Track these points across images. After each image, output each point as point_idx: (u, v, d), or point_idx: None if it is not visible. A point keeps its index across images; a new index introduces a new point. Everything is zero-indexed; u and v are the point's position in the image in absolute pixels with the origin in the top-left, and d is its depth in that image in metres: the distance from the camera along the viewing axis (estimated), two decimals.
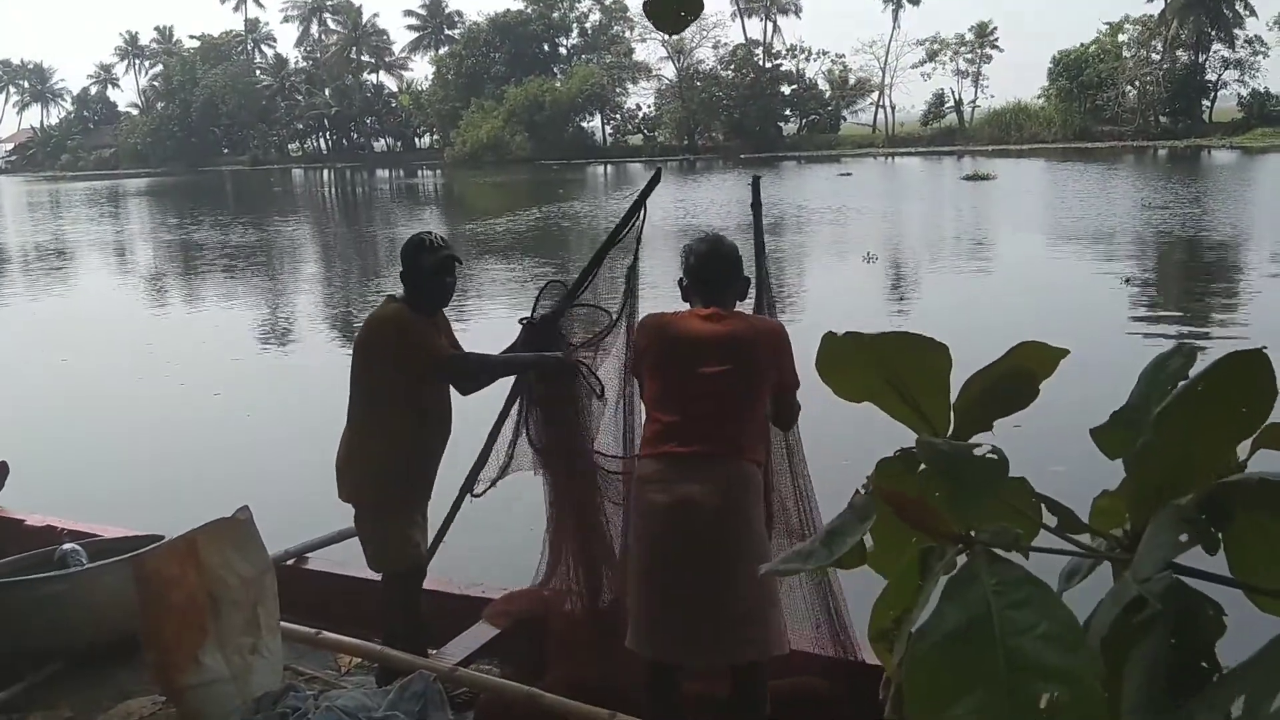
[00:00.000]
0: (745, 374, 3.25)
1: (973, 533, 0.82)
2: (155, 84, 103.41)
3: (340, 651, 4.03)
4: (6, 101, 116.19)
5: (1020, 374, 1.11)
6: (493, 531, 5.62)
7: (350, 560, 4.94)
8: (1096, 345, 10.03)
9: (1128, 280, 15.55)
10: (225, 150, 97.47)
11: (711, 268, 3.40)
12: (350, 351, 4.09)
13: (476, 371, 4.07)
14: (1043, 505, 0.99)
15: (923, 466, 1.02)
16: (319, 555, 5.05)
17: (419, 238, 4.10)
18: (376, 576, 4.24)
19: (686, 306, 3.46)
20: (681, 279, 3.47)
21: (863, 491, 1.09)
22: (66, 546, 3.86)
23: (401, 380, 3.89)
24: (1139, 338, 11.75)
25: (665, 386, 3.30)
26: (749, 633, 3.21)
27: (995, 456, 0.90)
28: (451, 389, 4.07)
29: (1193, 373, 0.93)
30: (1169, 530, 0.79)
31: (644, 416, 3.50)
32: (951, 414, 1.12)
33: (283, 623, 3.96)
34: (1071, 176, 39.06)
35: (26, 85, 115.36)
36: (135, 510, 6.52)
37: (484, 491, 4.10)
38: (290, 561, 4.92)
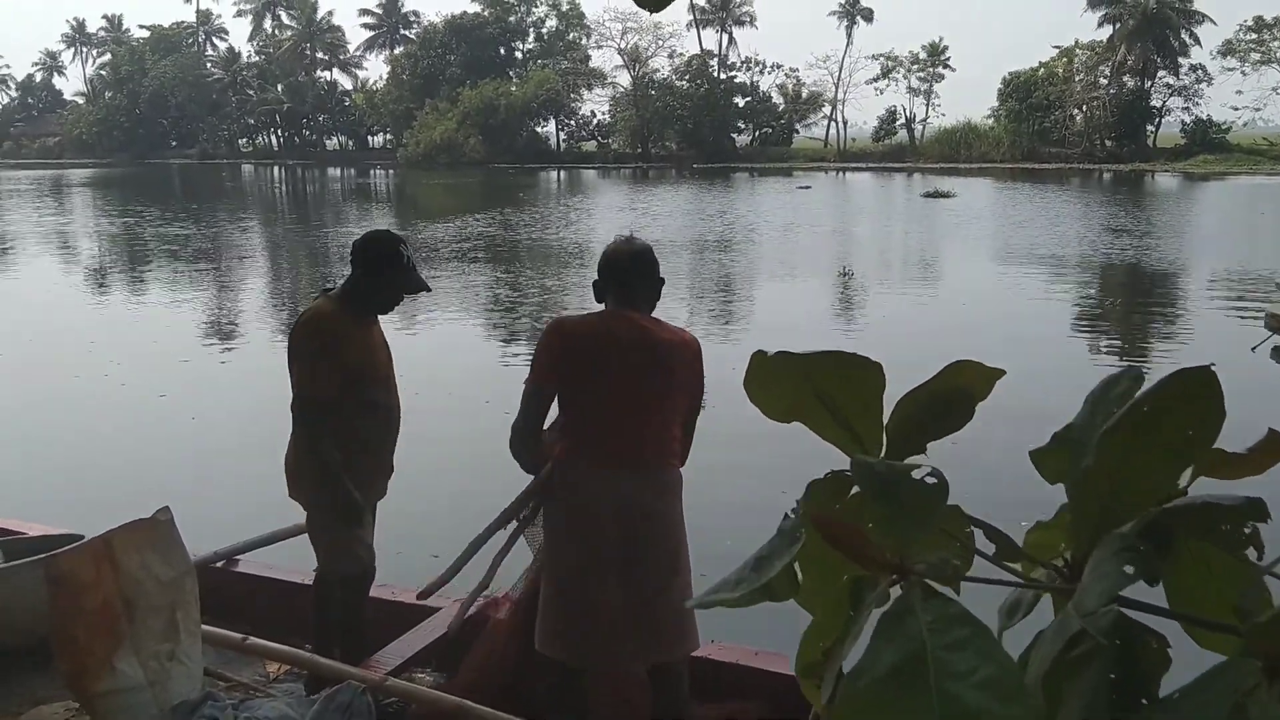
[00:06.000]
0: (666, 379, 3.24)
1: (908, 563, 0.77)
2: (103, 73, 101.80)
3: (268, 658, 3.93)
4: None
5: (955, 394, 1.07)
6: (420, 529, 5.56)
7: (283, 563, 4.84)
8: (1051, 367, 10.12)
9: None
10: (174, 143, 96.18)
11: (626, 268, 3.35)
12: None
13: (315, 449, 3.81)
14: (978, 531, 0.96)
15: (855, 490, 0.98)
16: (250, 558, 4.92)
17: (383, 235, 3.98)
18: (308, 580, 4.15)
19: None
20: (596, 280, 3.42)
21: (792, 515, 1.05)
22: None
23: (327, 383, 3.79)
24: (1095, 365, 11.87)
25: (586, 390, 3.26)
26: (675, 632, 3.27)
27: (935, 480, 0.85)
28: (390, 382, 3.98)
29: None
30: (1113, 561, 0.75)
31: (560, 419, 3.41)
32: (884, 436, 1.08)
33: (210, 627, 3.85)
34: (1025, 197, 39.54)
35: None
36: (66, 511, 6.34)
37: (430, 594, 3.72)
38: (220, 564, 4.80)
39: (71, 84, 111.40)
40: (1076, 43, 69.08)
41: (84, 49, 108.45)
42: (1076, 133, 67.58)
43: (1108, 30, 67.10)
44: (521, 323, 14.50)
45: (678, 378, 3.25)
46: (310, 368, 3.77)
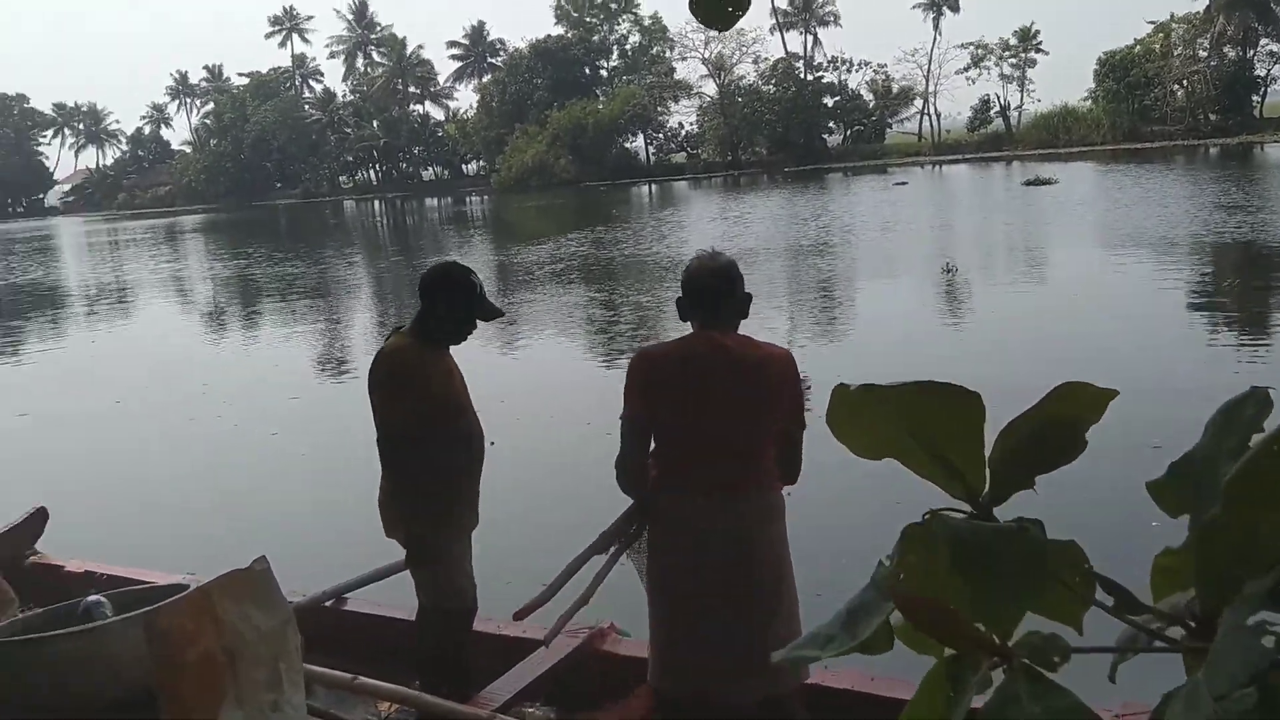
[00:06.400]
0: (756, 399, 3.11)
1: (1009, 643, 0.67)
2: (207, 122, 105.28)
3: (378, 697, 3.93)
4: (63, 144, 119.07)
5: (1064, 421, 0.96)
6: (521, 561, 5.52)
7: (390, 601, 4.85)
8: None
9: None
10: (278, 184, 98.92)
11: (707, 286, 3.24)
12: None
13: (394, 486, 3.88)
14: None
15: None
16: (358, 596, 4.95)
17: (451, 266, 4.02)
18: (413, 616, 4.14)
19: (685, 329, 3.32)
20: (679, 298, 3.32)
21: (886, 563, 0.95)
22: (91, 599, 3.79)
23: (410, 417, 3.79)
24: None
25: (675, 417, 3.17)
26: (779, 665, 3.11)
27: (1032, 542, 0.75)
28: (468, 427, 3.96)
29: (1269, 424, 0.78)
30: (1248, 635, 0.64)
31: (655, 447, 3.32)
32: (987, 470, 0.98)
33: (320, 668, 3.86)
34: (1130, 179, 38.18)
35: (81, 127, 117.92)
36: (180, 556, 6.48)
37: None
38: (329, 603, 4.83)
39: (178, 134, 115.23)
40: (1172, 17, 66.96)
41: (188, 100, 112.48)
42: (1178, 109, 65.47)
43: (1204, 1, 64.91)
44: (618, 343, 14.47)
45: (769, 396, 3.12)
46: (391, 403, 3.78)
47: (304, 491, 8.53)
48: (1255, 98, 66.11)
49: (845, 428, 0.96)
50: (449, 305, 3.88)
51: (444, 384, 3.91)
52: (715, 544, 3.08)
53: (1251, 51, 64.74)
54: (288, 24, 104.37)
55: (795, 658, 0.90)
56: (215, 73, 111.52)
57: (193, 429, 10.96)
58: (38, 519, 5.71)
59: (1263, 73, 65.59)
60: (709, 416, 3.10)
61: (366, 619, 4.74)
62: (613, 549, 3.43)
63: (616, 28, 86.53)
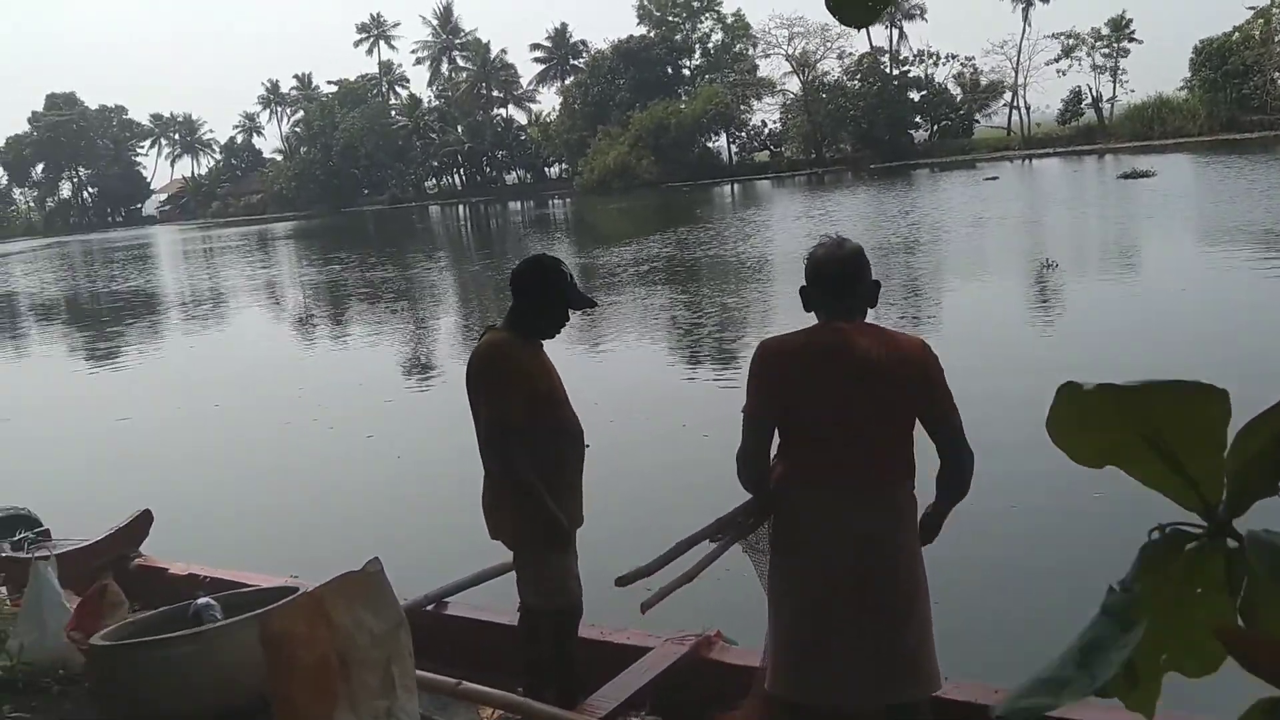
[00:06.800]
0: (890, 391, 2.96)
1: None
2: (297, 130, 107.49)
3: (482, 703, 3.87)
4: (159, 154, 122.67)
5: None
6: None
7: (492, 604, 4.80)
8: None
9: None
10: (365, 191, 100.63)
11: (836, 274, 3.11)
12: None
13: (511, 476, 3.75)
14: None
15: (1192, 545, 0.77)
16: (460, 599, 4.91)
17: (540, 258, 4.01)
18: (516, 621, 4.09)
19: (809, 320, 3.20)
20: (803, 286, 3.19)
21: (1118, 589, 0.83)
22: (200, 601, 3.79)
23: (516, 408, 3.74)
24: None
25: (801, 412, 3.04)
26: (912, 671, 3.01)
27: None
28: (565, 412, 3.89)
29: None
30: None
31: (780, 447, 3.21)
32: (1224, 479, 0.86)
33: (424, 673, 3.81)
34: (1233, 170, 36.78)
35: (177, 137, 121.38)
36: (281, 558, 6.54)
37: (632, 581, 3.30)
38: (430, 607, 4.80)
39: (269, 142, 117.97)
40: (1273, 2, 64.71)
41: (278, 108, 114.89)
42: (1279, 97, 63.27)
43: None
44: (705, 344, 14.34)
45: (904, 388, 2.98)
46: (497, 394, 3.74)
47: (401, 494, 8.57)
48: None
49: (1070, 431, 0.85)
50: (542, 297, 3.87)
51: (545, 376, 3.89)
52: (846, 545, 2.95)
53: None
54: (375, 31, 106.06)
55: (1025, 708, 0.78)
56: (305, 81, 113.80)
57: (290, 432, 11.11)
58: (143, 521, 5.79)
59: None
60: (838, 411, 2.97)
61: (469, 623, 4.70)
62: (726, 537, 3.32)
63: (699, 26, 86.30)
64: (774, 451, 3.15)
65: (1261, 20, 64.29)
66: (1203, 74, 65.52)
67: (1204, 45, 66.09)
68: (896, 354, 2.98)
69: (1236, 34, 65.18)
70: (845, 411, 2.96)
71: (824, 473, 3.01)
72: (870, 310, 3.16)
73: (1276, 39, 62.85)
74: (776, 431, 3.09)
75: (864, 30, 79.19)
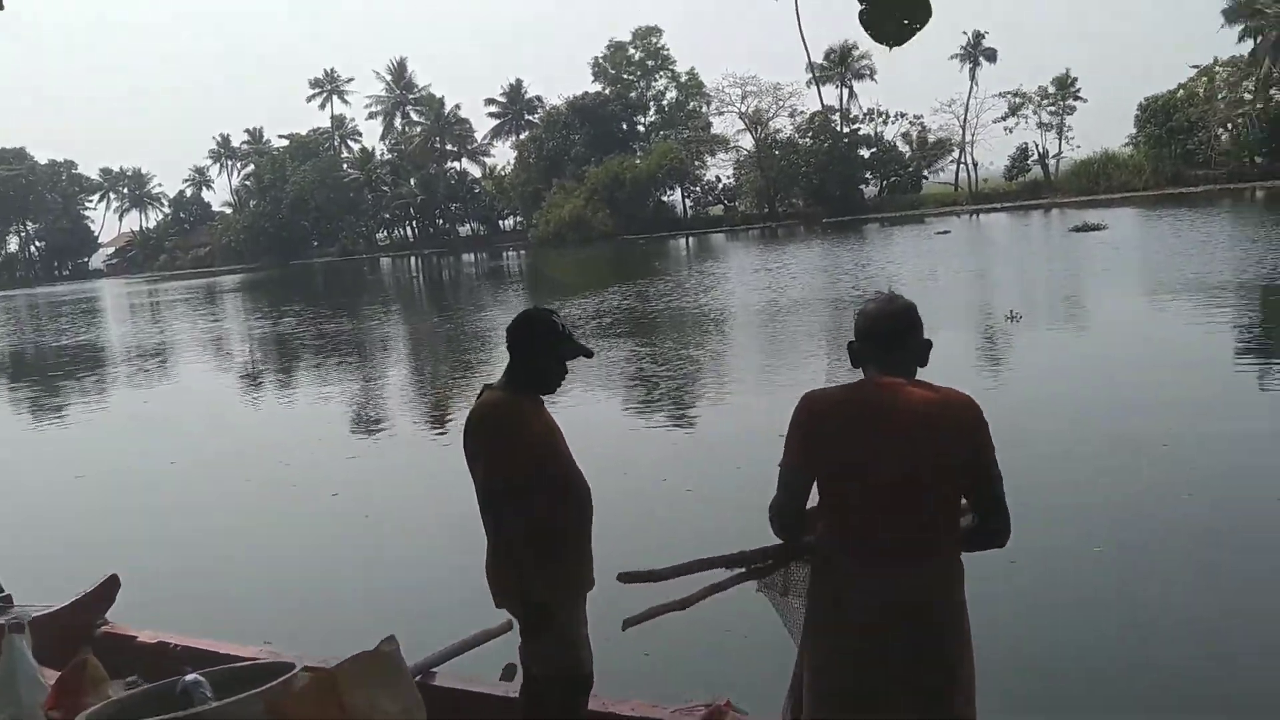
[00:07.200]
0: (940, 451, 2.80)
1: None
2: (247, 183, 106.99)
3: None
4: (108, 208, 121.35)
5: None
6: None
7: (484, 673, 4.55)
8: None
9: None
10: (315, 243, 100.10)
11: (883, 328, 2.98)
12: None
13: (505, 549, 3.54)
14: None
15: None
16: (447, 669, 4.63)
17: (533, 312, 3.86)
18: (512, 693, 3.86)
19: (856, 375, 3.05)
20: (852, 341, 3.06)
21: None
22: (189, 678, 3.50)
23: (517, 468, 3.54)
24: None
25: (845, 470, 2.87)
26: None
27: None
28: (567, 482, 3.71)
29: None
30: None
31: (820, 506, 3.04)
32: None
33: None
34: (1183, 223, 37.51)
35: (126, 191, 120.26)
36: (251, 623, 6.25)
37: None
38: (417, 678, 4.53)
39: (219, 195, 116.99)
40: (1216, 60, 66.74)
41: (229, 162, 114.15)
42: (1223, 153, 65.07)
43: (1249, 44, 64.69)
44: (663, 398, 14.19)
45: (951, 448, 2.82)
46: (498, 455, 3.54)
47: (372, 555, 8.25)
48: None
49: None
50: (538, 351, 3.73)
51: (546, 433, 3.71)
52: (893, 621, 2.76)
53: None
54: (328, 86, 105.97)
55: None
56: (256, 135, 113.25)
57: (251, 490, 10.77)
58: (110, 586, 5.47)
59: None
60: (884, 470, 2.79)
61: (460, 695, 4.43)
62: (739, 571, 3.20)
63: (654, 84, 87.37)
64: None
65: (1205, 78, 66.18)
66: (1148, 130, 67.29)
67: (1149, 102, 67.97)
68: (946, 410, 2.82)
69: (1181, 91, 67.07)
70: (892, 471, 2.79)
71: (867, 538, 2.83)
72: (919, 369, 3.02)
73: (1220, 96, 64.64)
74: (818, 489, 2.93)
75: (814, 88, 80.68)
